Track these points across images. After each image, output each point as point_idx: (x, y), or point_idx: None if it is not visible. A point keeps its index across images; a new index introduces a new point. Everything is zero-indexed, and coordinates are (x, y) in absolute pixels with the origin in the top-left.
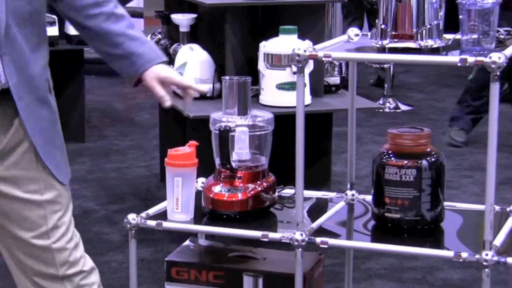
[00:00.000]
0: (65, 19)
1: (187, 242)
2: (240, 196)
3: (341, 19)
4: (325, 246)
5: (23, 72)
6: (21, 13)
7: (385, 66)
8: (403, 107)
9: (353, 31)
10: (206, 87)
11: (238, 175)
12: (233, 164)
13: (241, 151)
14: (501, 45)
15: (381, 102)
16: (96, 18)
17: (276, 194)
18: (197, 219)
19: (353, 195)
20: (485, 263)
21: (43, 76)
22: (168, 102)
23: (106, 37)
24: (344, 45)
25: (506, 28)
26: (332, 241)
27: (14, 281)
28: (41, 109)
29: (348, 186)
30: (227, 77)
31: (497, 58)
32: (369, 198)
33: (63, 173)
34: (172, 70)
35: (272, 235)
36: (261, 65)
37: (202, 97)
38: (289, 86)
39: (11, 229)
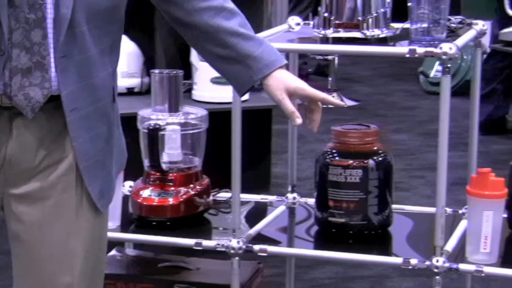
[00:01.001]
0: (163, 14)
1: (113, 252)
2: (171, 200)
3: (282, 7)
4: (264, 254)
5: (86, 79)
6: (96, 9)
7: (329, 57)
8: (349, 102)
9: (293, 19)
10: (134, 82)
11: (169, 178)
12: (164, 166)
13: (172, 152)
14: (452, 34)
15: None
16: (203, 13)
17: (211, 198)
18: (124, 227)
19: (294, 198)
20: (436, 270)
21: (109, 83)
22: (299, 119)
23: (215, 36)
24: (285, 35)
25: (457, 16)
26: (272, 249)
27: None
28: (99, 123)
29: (289, 189)
30: (156, 71)
31: (448, 48)
32: (312, 201)
33: (105, 199)
34: (299, 79)
35: (206, 243)
36: (194, 57)
37: (129, 92)
38: (224, 80)
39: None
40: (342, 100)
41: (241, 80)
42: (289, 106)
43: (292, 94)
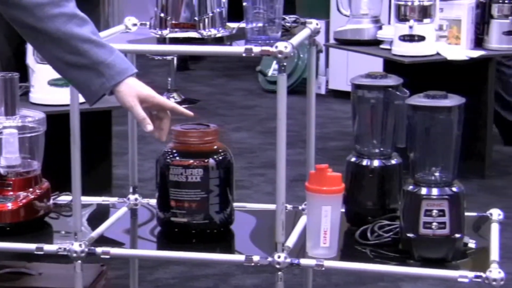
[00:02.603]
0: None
1: None
2: (10, 206)
3: (119, 8)
4: (107, 256)
5: None
6: None
7: (169, 58)
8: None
9: (130, 20)
10: None
11: (8, 183)
12: (1, 171)
13: (10, 156)
14: (287, 33)
15: (165, 96)
16: (55, 19)
17: (51, 201)
18: None
19: (136, 199)
20: (277, 266)
21: None
22: (150, 125)
23: (67, 43)
24: (122, 36)
25: (291, 15)
26: (114, 251)
27: None
28: None
29: (131, 190)
30: None
31: (283, 47)
32: (154, 202)
33: None
34: (150, 88)
35: (48, 247)
36: (31, 59)
37: None
38: (62, 82)
39: None
40: (182, 99)
41: (93, 87)
42: (141, 112)
43: (143, 101)
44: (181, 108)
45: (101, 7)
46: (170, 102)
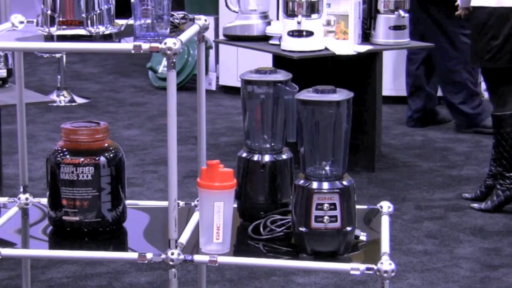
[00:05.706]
0: None
1: None
2: None
3: (6, 5)
4: None
5: None
6: None
7: (57, 55)
8: (79, 100)
9: (16, 18)
10: None
11: None
12: None
13: None
14: (176, 30)
15: (54, 95)
16: None
17: None
18: None
19: (27, 199)
20: (171, 263)
21: None
22: None
23: None
24: (9, 33)
25: (180, 12)
26: (6, 251)
27: None
28: None
29: (21, 189)
30: None
31: (172, 44)
32: (45, 201)
33: None
34: None
35: None
36: None
37: None
38: None
39: None
40: (72, 98)
41: None
42: None
43: None
44: None
45: None
46: None
